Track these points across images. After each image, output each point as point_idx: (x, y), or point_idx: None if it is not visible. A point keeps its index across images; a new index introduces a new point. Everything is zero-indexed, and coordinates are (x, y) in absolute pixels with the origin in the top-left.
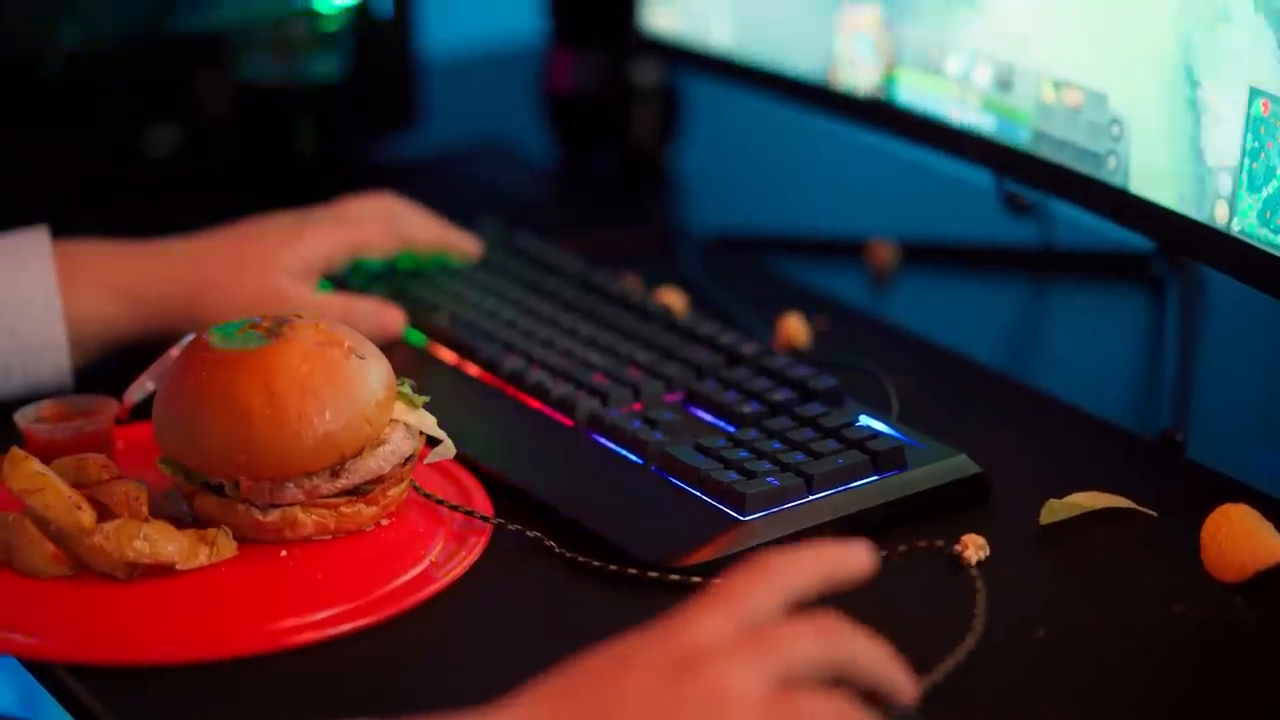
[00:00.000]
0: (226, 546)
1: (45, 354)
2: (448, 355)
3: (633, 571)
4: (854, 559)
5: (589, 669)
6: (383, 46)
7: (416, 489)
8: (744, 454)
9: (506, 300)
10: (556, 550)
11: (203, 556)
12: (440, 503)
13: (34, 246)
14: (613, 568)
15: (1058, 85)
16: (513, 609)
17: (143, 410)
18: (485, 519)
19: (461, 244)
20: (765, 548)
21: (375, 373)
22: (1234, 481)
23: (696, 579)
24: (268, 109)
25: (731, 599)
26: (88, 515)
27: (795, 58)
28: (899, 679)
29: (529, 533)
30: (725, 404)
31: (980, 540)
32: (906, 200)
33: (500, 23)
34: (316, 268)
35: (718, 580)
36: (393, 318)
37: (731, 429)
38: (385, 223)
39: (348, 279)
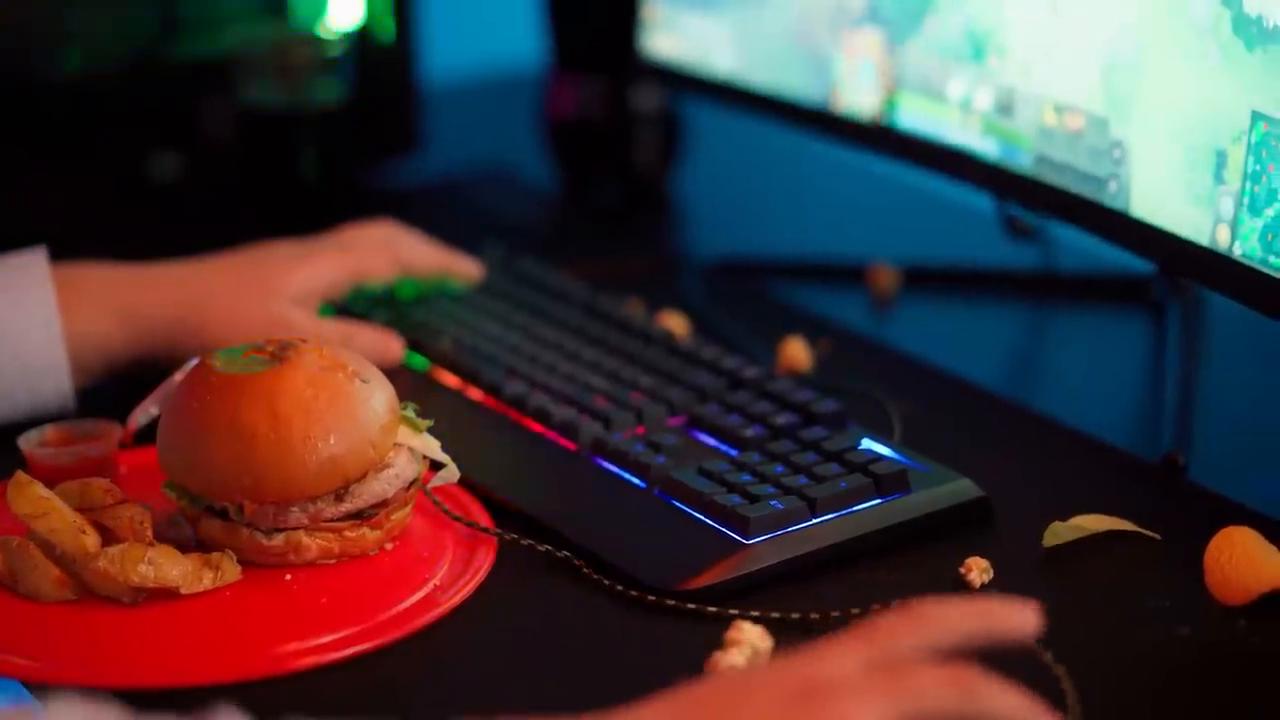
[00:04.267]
0: (231, 570)
1: (47, 376)
2: (450, 380)
3: (634, 593)
4: (1016, 618)
5: (713, 691)
6: (384, 72)
7: (427, 493)
8: (747, 477)
9: (509, 325)
10: (577, 564)
11: (207, 580)
12: (456, 519)
13: (32, 268)
14: (619, 588)
15: (1059, 109)
16: (517, 632)
17: (146, 435)
18: (498, 533)
19: (462, 268)
20: (767, 568)
21: (379, 397)
22: (1237, 504)
23: (709, 607)
24: (270, 135)
25: (871, 639)
26: (92, 539)
27: (797, 83)
28: None
29: (540, 546)
30: (728, 428)
31: (984, 563)
32: (908, 225)
33: (502, 48)
34: (317, 294)
35: (864, 620)
36: (392, 346)
37: (734, 453)
38: (386, 250)
39: (349, 305)
